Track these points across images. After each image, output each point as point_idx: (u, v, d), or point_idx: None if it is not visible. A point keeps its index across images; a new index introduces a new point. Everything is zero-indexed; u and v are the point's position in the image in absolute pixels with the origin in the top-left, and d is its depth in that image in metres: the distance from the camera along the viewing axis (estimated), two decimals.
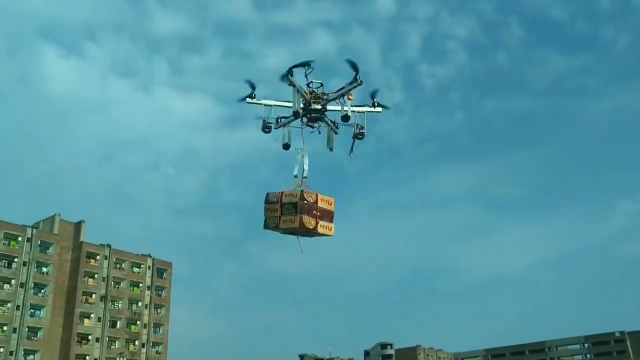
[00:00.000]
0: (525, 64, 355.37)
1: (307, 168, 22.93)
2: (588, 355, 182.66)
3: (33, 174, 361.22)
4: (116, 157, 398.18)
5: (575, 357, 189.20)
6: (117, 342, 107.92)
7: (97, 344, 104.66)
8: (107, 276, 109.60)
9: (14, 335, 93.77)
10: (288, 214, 22.25)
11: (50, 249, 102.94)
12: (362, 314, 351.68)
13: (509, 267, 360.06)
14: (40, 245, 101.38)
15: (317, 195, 22.49)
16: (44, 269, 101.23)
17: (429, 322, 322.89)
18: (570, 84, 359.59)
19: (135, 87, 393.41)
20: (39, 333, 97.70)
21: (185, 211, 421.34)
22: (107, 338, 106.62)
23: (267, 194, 23.07)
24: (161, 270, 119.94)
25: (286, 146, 23.33)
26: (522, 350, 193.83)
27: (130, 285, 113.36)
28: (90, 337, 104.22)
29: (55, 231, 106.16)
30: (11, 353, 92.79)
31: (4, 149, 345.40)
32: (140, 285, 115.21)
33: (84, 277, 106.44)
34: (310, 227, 22.05)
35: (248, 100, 23.31)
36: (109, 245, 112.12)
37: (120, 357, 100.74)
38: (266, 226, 22.99)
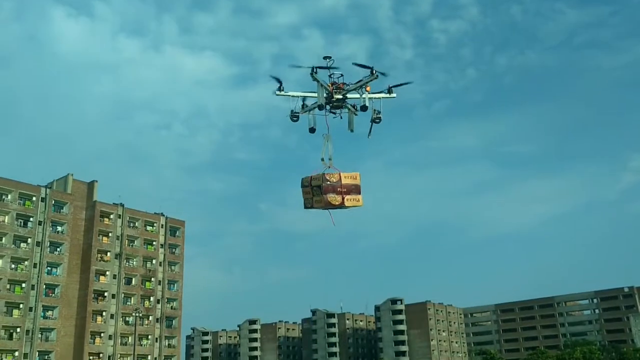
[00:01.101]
0: (539, 18, 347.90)
1: (332, 152, 25.56)
2: (597, 310, 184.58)
3: (46, 135, 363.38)
4: (128, 117, 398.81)
5: (584, 311, 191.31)
6: (132, 298, 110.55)
7: (113, 300, 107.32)
8: (121, 235, 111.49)
9: (33, 292, 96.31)
10: (317, 195, 25.24)
11: (64, 208, 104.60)
12: (372, 270, 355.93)
13: (519, 223, 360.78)
14: (54, 205, 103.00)
15: (340, 174, 25.24)
16: (59, 228, 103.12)
17: (439, 279, 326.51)
18: (583, 38, 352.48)
19: (146, 47, 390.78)
20: (56, 290, 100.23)
21: (197, 170, 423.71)
22: (123, 294, 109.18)
23: (302, 179, 25.85)
24: (174, 228, 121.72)
25: (312, 130, 25.85)
26: (531, 305, 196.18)
27: (144, 243, 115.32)
28: (106, 294, 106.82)
29: (69, 191, 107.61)
30: (30, 309, 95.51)
31: (16, 109, 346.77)
32: (154, 243, 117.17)
33: (98, 236, 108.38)
34: (337, 203, 24.99)
35: (277, 92, 25.55)
36: (122, 205, 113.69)
37: (135, 313, 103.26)
38: (305, 206, 25.94)
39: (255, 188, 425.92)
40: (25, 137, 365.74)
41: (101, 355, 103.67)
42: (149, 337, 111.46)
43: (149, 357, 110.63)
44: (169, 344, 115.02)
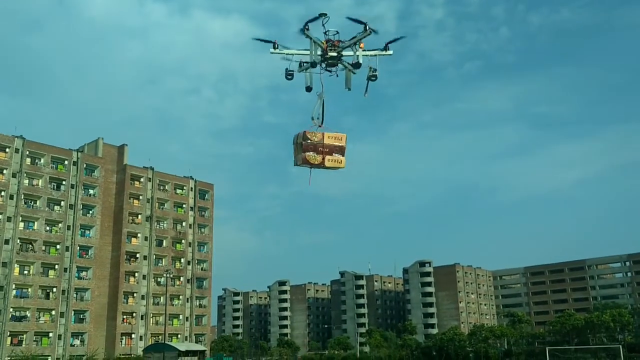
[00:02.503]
0: None
1: (323, 110, 25.57)
2: (629, 273, 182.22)
3: (77, 100, 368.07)
4: (158, 82, 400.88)
5: (616, 275, 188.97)
6: (163, 259, 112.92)
7: (145, 262, 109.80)
8: (151, 198, 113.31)
9: (67, 254, 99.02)
10: (299, 153, 25.36)
11: (95, 171, 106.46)
12: (401, 233, 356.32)
13: (550, 186, 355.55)
14: (86, 169, 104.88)
15: (323, 134, 25.27)
16: (91, 191, 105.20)
17: (468, 241, 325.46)
18: None
19: (172, 10, 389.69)
20: (89, 251, 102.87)
21: (226, 134, 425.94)
22: (154, 256, 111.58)
23: (294, 136, 25.98)
24: (203, 191, 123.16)
25: (308, 89, 25.56)
26: (562, 269, 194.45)
27: (174, 206, 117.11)
28: (138, 255, 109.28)
29: (100, 154, 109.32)
30: (65, 270, 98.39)
31: (48, 74, 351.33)
32: (184, 206, 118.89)
33: (129, 199, 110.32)
34: (316, 162, 25.07)
35: (271, 50, 25.34)
36: (151, 168, 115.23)
37: (167, 274, 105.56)
38: (294, 163, 26.11)
39: (285, 152, 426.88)
40: (56, 102, 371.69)
41: (134, 314, 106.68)
42: (180, 297, 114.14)
43: (181, 316, 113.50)
44: (199, 304, 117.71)
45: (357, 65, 24.79)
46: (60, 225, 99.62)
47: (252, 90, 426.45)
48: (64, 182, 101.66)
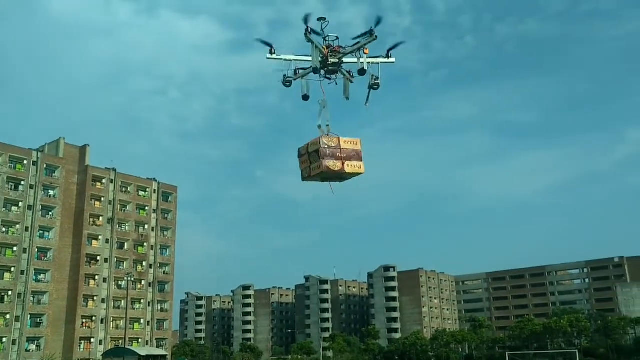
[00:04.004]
0: None
1: (329, 117, 24.03)
2: (587, 280, 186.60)
3: (38, 98, 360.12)
4: (123, 82, 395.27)
5: (575, 281, 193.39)
6: (125, 262, 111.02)
7: (106, 265, 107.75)
8: (113, 199, 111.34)
9: (25, 256, 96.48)
10: (315, 162, 23.50)
11: (56, 172, 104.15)
12: (366, 238, 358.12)
13: (514, 193, 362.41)
14: (46, 169, 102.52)
15: (339, 138, 23.63)
16: (51, 192, 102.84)
17: (432, 247, 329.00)
18: (586, 7, 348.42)
19: (140, 10, 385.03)
20: (48, 253, 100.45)
21: (192, 136, 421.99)
22: (115, 259, 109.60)
23: (299, 148, 24.45)
24: (167, 194, 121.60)
25: (305, 97, 24.28)
26: (523, 274, 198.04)
27: (137, 208, 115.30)
28: (99, 258, 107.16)
29: (61, 155, 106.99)
30: (22, 272, 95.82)
31: (8, 71, 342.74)
32: (147, 208, 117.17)
33: (91, 200, 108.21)
34: (337, 169, 23.26)
35: (268, 55, 24.01)
36: (114, 169, 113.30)
37: (128, 277, 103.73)
38: (303, 178, 24.44)
39: (251, 155, 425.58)
40: (17, 100, 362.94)
41: (94, 318, 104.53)
42: (142, 301, 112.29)
43: (142, 320, 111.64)
44: (161, 308, 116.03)
45: (362, 71, 23.52)
46: (17, 226, 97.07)
47: (219, 93, 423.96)
48: (22, 183, 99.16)
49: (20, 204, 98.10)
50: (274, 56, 23.95)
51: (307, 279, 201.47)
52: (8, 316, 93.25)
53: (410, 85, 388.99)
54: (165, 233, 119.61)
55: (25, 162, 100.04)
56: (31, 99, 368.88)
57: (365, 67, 23.40)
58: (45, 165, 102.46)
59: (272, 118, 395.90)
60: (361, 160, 23.85)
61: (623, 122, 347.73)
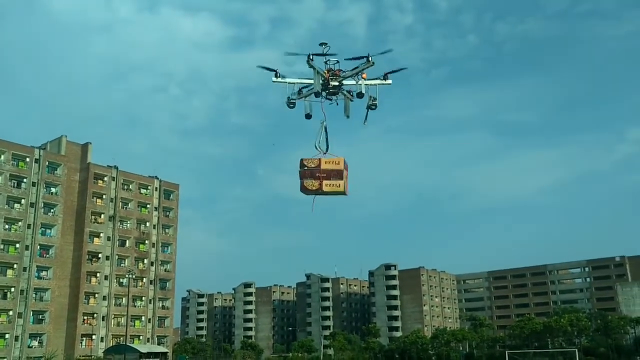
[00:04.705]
0: None
1: (327, 138, 25.65)
2: (588, 279, 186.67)
3: (40, 96, 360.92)
4: (124, 79, 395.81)
5: (576, 280, 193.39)
6: (126, 260, 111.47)
7: (107, 262, 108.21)
8: (115, 197, 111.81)
9: (27, 253, 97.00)
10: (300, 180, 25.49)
11: (58, 170, 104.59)
12: (368, 236, 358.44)
13: (515, 193, 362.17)
14: (48, 166, 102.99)
15: (320, 159, 25.21)
16: (53, 190, 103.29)
17: (433, 246, 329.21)
18: (586, 6, 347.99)
19: (141, 7, 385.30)
20: (50, 251, 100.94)
21: (193, 134, 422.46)
22: (117, 256, 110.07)
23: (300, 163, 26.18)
24: (168, 191, 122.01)
25: (308, 116, 25.91)
26: (524, 273, 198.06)
27: (138, 206, 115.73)
28: (100, 255, 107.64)
29: (63, 152, 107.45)
30: (24, 269, 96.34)
31: (10, 69, 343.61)
32: (148, 206, 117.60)
33: (92, 198, 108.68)
34: (314, 188, 25.00)
35: (273, 79, 25.62)
36: (115, 167, 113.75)
37: (129, 274, 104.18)
38: (300, 190, 26.25)
39: (252, 153, 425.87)
40: (19, 98, 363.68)
41: (95, 315, 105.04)
42: (143, 298, 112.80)
43: (143, 317, 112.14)
44: (162, 306, 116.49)
45: (360, 95, 25.26)
46: (20, 223, 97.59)
47: (220, 91, 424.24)
48: (25, 180, 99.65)
49: (23, 201, 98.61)
50: (279, 80, 25.63)
51: (308, 277, 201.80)
52: (11, 312, 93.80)
53: (411, 84, 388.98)
54: (167, 231, 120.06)
55: (27, 159, 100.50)
56: (33, 97, 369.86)
57: (364, 91, 25.22)
58: (47, 163, 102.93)
59: (273, 117, 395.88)
60: (341, 179, 25.12)
61: (623, 121, 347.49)
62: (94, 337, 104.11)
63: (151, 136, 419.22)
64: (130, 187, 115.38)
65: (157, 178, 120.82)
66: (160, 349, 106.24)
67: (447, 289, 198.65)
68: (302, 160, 25.23)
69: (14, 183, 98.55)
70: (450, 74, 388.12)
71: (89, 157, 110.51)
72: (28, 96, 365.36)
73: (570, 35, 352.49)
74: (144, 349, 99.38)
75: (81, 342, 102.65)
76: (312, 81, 25.46)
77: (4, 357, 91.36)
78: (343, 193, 25.46)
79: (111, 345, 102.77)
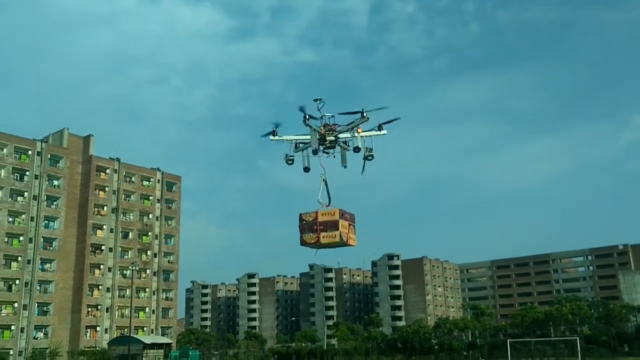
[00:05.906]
0: None
1: (329, 191, 27.17)
2: (591, 267, 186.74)
3: (41, 88, 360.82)
4: (125, 71, 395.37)
5: (579, 269, 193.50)
6: (129, 252, 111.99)
7: (110, 254, 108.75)
8: (117, 189, 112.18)
9: (30, 245, 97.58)
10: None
11: (60, 162, 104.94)
12: (370, 226, 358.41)
13: (518, 181, 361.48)
14: (50, 159, 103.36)
15: (316, 212, 26.68)
16: (55, 182, 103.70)
17: (436, 235, 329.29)
18: None
19: None
20: (53, 243, 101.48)
21: (195, 125, 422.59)
22: (120, 248, 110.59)
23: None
24: (170, 183, 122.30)
25: (306, 169, 27.31)
26: (526, 262, 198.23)
27: (141, 198, 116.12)
28: (103, 247, 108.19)
29: (65, 145, 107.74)
30: (29, 262, 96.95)
31: (11, 61, 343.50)
32: (151, 198, 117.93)
33: (95, 190, 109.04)
34: (312, 241, 26.62)
35: (271, 137, 27.17)
36: (118, 159, 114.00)
37: (132, 266, 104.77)
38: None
39: (254, 144, 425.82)
40: (20, 91, 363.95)
41: (99, 307, 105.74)
42: (147, 289, 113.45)
43: (147, 309, 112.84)
44: (166, 297, 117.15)
45: (357, 149, 26.55)
46: (23, 216, 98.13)
47: (222, 82, 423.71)
48: (27, 173, 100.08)
49: (26, 194, 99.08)
50: (277, 138, 27.20)
51: (311, 267, 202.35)
52: (16, 304, 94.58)
53: (413, 73, 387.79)
54: (170, 222, 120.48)
55: (29, 152, 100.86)
56: (34, 90, 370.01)
57: (360, 146, 26.56)
58: (49, 156, 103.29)
59: (275, 107, 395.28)
60: (337, 229, 26.40)
61: (628, 109, 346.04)
62: (98, 328, 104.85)
63: (153, 128, 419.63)
64: (133, 179, 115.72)
65: (159, 170, 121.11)
66: (165, 339, 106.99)
67: (450, 278, 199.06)
68: (300, 215, 26.70)
69: (17, 176, 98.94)
70: (453, 62, 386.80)
71: (91, 150, 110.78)
72: (29, 89, 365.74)
73: (573, 22, 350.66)
74: (148, 340, 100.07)
75: (86, 334, 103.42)
76: (307, 137, 26.65)
77: (11, 348, 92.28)
78: (343, 244, 26.69)
79: (115, 336, 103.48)
